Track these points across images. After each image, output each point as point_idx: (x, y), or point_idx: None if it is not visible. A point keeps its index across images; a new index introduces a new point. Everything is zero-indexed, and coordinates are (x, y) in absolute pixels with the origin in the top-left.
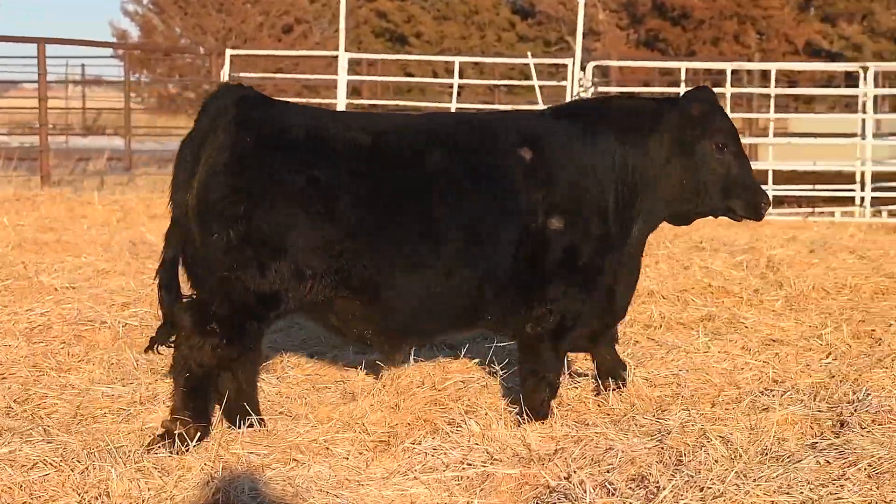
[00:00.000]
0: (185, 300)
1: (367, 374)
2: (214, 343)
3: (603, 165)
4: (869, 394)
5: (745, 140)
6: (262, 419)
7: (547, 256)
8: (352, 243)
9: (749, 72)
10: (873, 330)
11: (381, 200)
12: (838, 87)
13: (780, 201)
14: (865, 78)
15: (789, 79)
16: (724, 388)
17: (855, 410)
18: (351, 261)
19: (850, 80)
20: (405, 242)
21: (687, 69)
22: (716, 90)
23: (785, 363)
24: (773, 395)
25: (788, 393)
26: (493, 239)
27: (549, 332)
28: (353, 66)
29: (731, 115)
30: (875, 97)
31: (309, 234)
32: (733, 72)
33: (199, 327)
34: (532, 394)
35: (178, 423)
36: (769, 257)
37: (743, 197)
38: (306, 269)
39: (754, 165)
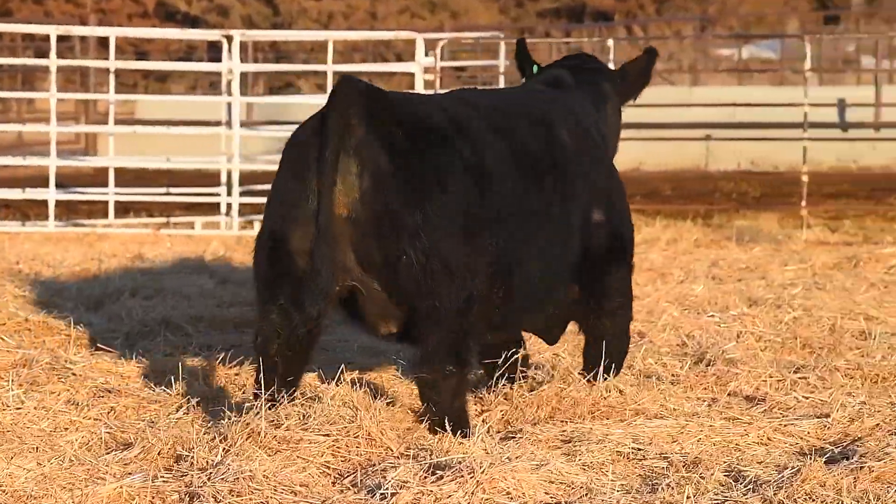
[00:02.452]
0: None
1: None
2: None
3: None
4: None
5: (79, 128)
6: None
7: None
8: (499, 228)
9: (83, 38)
10: (237, 374)
11: (515, 182)
12: (200, 60)
13: (125, 209)
14: (230, 50)
15: (137, 49)
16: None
17: (209, 479)
18: (499, 248)
19: (215, 51)
20: (534, 225)
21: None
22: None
23: (122, 419)
24: (108, 463)
25: (122, 453)
26: (586, 221)
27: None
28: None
29: (61, 95)
30: (244, 74)
31: (476, 225)
32: (60, 38)
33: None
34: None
35: None
36: (105, 281)
37: None
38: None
39: (91, 161)
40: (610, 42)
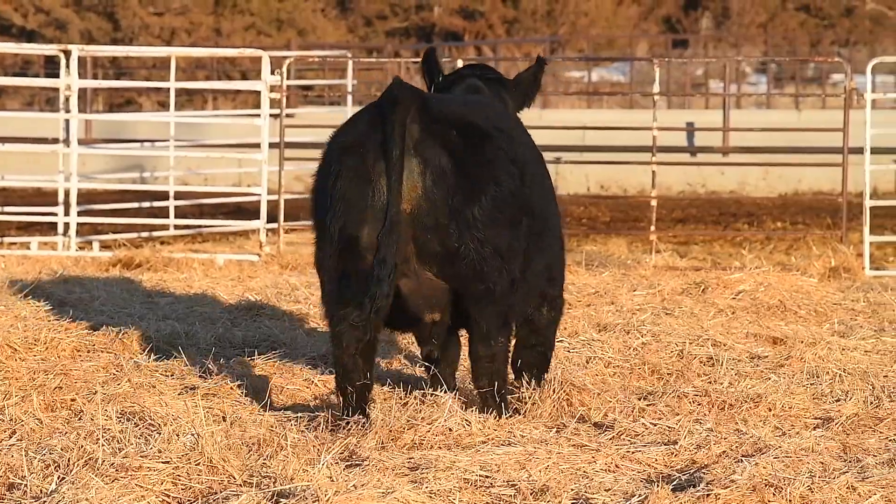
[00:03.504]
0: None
1: None
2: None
3: None
4: None
5: None
6: None
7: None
8: (528, 217)
9: None
10: (73, 399)
11: (532, 176)
12: (37, 76)
13: None
14: (69, 65)
15: None
16: None
17: None
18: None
19: (53, 67)
20: (537, 216)
21: None
22: None
23: None
24: None
25: None
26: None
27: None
28: None
29: None
30: (83, 91)
31: (518, 214)
32: None
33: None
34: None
35: None
36: None
37: None
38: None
39: None
40: (459, 63)
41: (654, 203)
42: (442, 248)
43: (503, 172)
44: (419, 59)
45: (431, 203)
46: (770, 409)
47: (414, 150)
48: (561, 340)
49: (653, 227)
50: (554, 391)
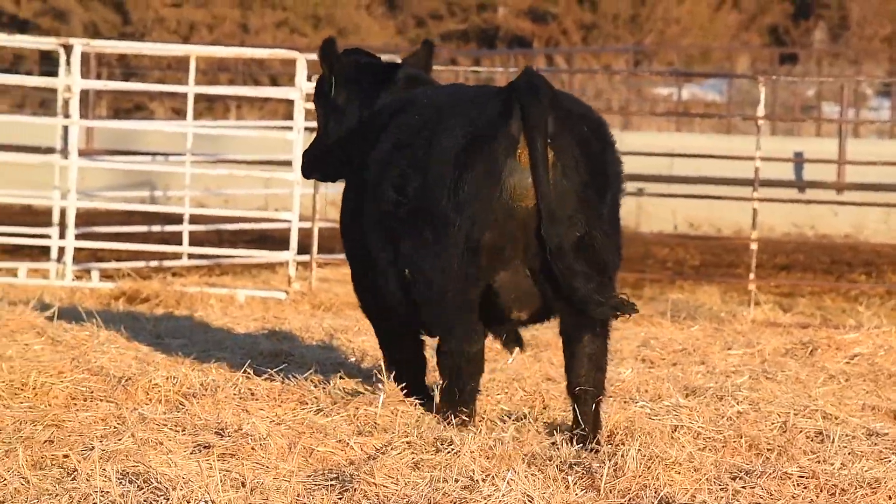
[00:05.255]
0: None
1: None
2: None
3: None
4: None
5: None
6: None
7: None
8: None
9: None
10: (66, 456)
11: None
12: (30, 73)
13: None
14: (69, 62)
15: None
16: None
17: None
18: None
19: (49, 64)
20: None
21: None
22: None
23: None
24: None
25: None
26: None
27: None
28: None
29: None
30: (84, 92)
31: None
32: None
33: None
34: None
35: None
36: None
37: None
38: None
39: None
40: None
41: (753, 246)
42: (569, 241)
43: (620, 169)
44: (479, 69)
45: (562, 195)
46: (890, 498)
47: (549, 142)
48: (642, 405)
49: (752, 275)
50: (633, 464)
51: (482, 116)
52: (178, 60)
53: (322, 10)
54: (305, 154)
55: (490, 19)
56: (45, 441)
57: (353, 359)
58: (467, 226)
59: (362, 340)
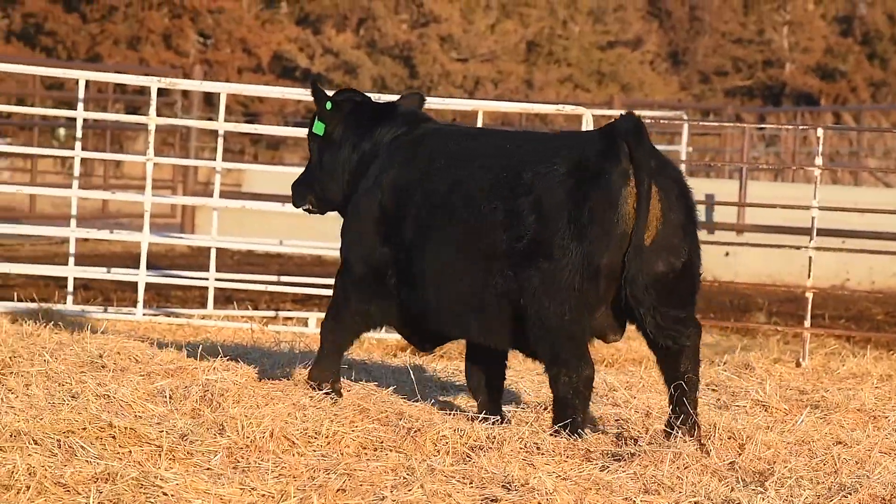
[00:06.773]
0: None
1: None
2: None
3: None
4: None
5: (177, 199)
6: None
7: None
8: None
9: (185, 94)
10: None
11: None
12: None
13: (226, 298)
14: None
15: (245, 109)
16: None
17: None
18: None
19: None
20: None
21: (88, 81)
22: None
23: None
24: None
25: None
26: None
27: None
28: None
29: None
30: None
31: None
32: (159, 92)
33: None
34: None
35: None
36: (206, 383)
37: None
38: None
39: (189, 240)
40: (819, 132)
41: None
42: (660, 273)
43: (693, 203)
44: (765, 126)
45: (661, 230)
46: None
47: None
48: None
49: None
50: None
51: (590, 153)
52: (462, 115)
53: (606, 67)
54: (296, 185)
55: (776, 76)
56: (339, 490)
57: (636, 415)
58: (588, 251)
59: (647, 397)
